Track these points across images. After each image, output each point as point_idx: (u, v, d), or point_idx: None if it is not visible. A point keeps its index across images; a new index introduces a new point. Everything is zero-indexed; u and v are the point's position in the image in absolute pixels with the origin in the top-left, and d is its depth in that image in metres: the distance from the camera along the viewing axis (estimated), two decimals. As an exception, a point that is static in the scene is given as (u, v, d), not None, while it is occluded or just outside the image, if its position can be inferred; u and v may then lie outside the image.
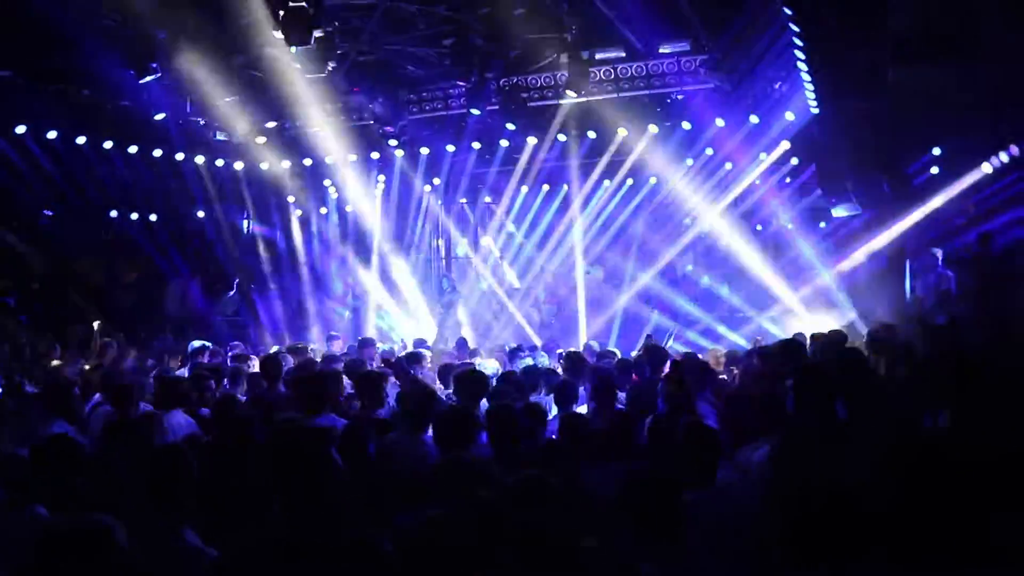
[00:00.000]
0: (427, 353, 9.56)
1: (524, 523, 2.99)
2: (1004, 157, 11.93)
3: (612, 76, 12.75)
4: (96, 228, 15.60)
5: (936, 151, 12.79)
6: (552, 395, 6.58)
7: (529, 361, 8.83)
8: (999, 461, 3.03)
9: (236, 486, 3.58)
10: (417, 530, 2.94)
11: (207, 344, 9.54)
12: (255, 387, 7.40)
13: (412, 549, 2.90)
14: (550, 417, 5.98)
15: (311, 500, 3.39)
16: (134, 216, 15.96)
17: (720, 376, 8.00)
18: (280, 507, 3.44)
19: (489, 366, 8.31)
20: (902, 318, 11.76)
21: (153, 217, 16.29)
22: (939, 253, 12.29)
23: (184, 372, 8.90)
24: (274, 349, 8.58)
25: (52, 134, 12.88)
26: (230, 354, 9.67)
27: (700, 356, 8.79)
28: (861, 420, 4.72)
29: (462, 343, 11.57)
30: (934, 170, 12.85)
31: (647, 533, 3.30)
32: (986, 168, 12.21)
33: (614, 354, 9.22)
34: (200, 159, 15.20)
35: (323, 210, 17.85)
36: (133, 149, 14.11)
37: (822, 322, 11.82)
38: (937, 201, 12.57)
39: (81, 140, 13.27)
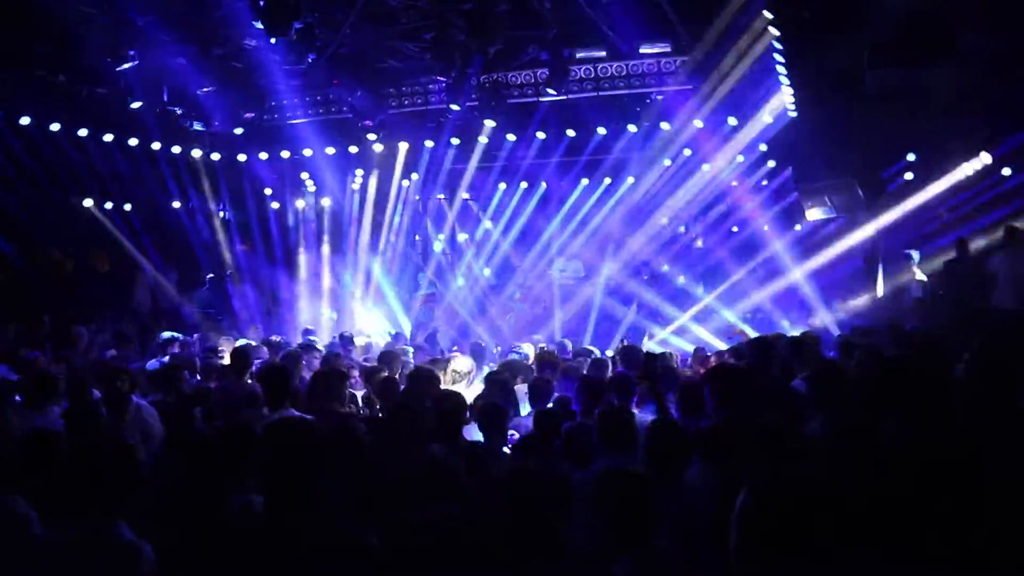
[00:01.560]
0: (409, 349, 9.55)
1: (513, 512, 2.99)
2: (977, 164, 12.03)
3: (592, 75, 12.81)
4: (69, 217, 15.37)
5: (911, 157, 12.89)
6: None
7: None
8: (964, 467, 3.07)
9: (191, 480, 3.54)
10: (407, 524, 2.94)
11: (176, 335, 9.44)
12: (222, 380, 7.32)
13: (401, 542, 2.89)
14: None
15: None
16: (108, 205, 15.76)
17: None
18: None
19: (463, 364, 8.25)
20: (874, 321, 11.86)
21: (127, 207, 16.09)
22: (915, 256, 12.35)
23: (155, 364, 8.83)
24: (241, 342, 8.45)
25: (25, 120, 12.66)
26: (203, 347, 9.59)
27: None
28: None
29: (431, 339, 11.49)
30: (908, 176, 12.94)
31: (619, 530, 3.30)
32: (961, 172, 12.31)
33: (590, 352, 9.22)
34: (176, 149, 15.05)
35: (300, 203, 17.74)
36: (108, 137, 13.92)
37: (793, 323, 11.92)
38: (911, 205, 12.66)
39: (55, 127, 13.07)
